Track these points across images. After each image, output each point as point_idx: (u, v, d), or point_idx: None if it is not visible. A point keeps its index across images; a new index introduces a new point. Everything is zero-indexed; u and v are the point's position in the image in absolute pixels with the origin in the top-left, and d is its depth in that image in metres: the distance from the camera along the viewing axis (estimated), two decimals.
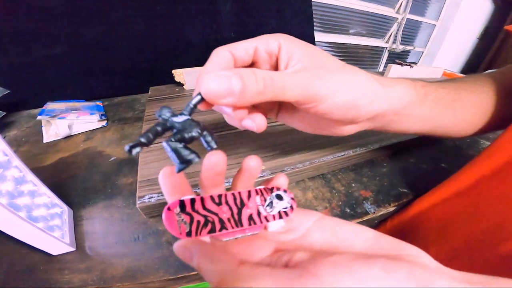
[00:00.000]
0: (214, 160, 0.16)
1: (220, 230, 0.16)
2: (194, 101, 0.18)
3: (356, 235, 0.16)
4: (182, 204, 0.16)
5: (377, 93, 0.23)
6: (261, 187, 0.19)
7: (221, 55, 0.21)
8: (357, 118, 0.23)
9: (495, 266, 0.25)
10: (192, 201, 0.16)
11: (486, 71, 0.33)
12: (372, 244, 0.16)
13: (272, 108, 0.26)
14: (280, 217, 0.18)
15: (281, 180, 0.20)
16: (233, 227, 0.16)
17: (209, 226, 0.16)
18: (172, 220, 0.15)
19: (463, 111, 0.29)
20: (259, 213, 0.17)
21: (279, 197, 0.18)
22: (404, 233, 0.36)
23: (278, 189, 0.19)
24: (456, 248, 0.29)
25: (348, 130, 0.25)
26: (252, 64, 0.23)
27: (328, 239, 0.17)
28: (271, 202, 0.18)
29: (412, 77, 0.30)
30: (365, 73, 0.23)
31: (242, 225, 0.17)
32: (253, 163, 0.18)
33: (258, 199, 0.18)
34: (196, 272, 0.29)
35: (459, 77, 0.34)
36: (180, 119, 0.17)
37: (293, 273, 0.13)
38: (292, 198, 0.19)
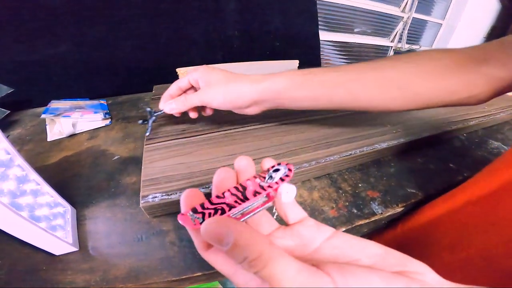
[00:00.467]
0: (223, 177, 0.19)
1: (230, 210, 0.17)
2: (159, 113, 0.41)
3: (364, 251, 0.17)
4: (193, 209, 0.17)
5: (246, 90, 0.34)
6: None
7: (173, 86, 0.39)
8: (240, 106, 0.36)
9: None
10: (202, 204, 0.18)
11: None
12: (379, 260, 0.16)
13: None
14: (283, 181, 0.19)
15: (267, 160, 0.21)
16: (241, 204, 0.17)
17: (219, 212, 0.17)
18: (188, 219, 0.16)
19: (364, 88, 0.34)
20: (262, 187, 0.19)
21: (276, 170, 0.20)
22: (415, 237, 0.35)
23: (273, 167, 0.20)
24: (471, 256, 0.28)
25: (246, 111, 0.37)
26: (192, 87, 0.40)
27: (336, 255, 0.17)
28: (271, 176, 0.19)
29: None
30: (239, 80, 0.35)
31: (248, 199, 0.18)
32: (243, 162, 0.20)
33: (257, 180, 0.19)
34: (200, 273, 0.28)
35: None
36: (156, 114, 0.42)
37: (312, 267, 0.13)
38: (287, 164, 0.20)
